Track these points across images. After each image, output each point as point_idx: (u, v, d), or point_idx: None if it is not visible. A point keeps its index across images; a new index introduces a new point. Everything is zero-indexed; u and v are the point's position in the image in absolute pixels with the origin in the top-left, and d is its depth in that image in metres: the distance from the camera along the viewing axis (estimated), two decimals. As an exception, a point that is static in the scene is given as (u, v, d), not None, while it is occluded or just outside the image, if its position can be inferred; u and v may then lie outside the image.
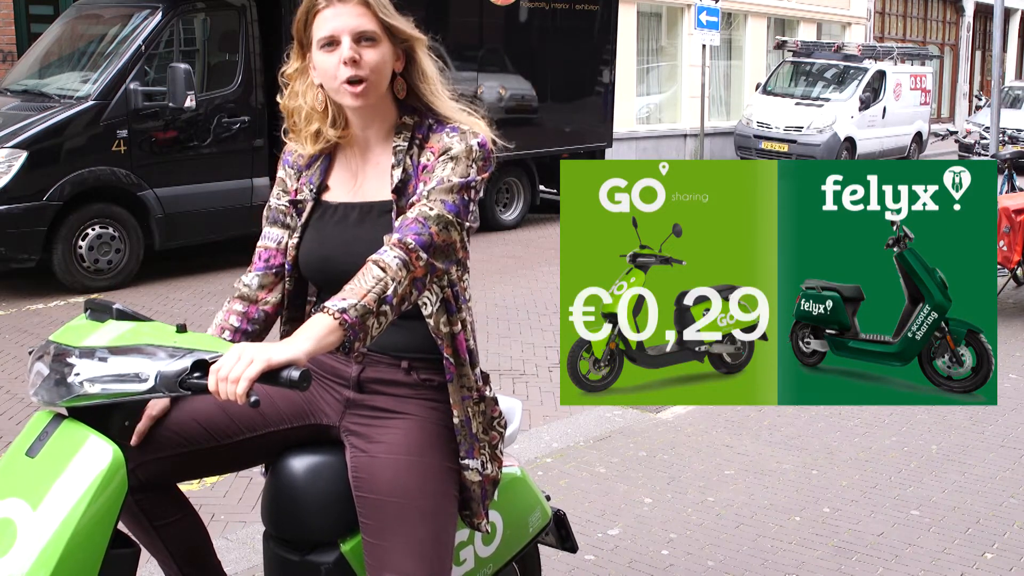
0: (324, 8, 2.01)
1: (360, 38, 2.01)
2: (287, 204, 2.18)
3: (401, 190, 2.06)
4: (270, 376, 1.73)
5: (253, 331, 2.20)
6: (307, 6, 2.04)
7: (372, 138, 2.12)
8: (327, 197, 2.15)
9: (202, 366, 1.80)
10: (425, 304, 2.04)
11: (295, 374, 1.73)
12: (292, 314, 2.21)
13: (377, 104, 2.07)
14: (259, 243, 2.21)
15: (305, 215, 2.14)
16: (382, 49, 2.03)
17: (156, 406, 2.09)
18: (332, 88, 2.04)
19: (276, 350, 1.75)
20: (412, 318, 2.04)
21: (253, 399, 1.72)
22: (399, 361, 2.10)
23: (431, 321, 2.04)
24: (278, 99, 2.16)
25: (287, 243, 2.17)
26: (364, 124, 2.11)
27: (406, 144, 2.09)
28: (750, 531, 3.77)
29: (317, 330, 1.81)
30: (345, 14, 2.00)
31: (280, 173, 2.22)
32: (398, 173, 2.07)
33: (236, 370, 1.72)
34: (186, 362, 1.80)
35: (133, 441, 2.03)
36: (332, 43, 2.01)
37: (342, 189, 2.14)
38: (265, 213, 2.23)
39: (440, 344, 2.05)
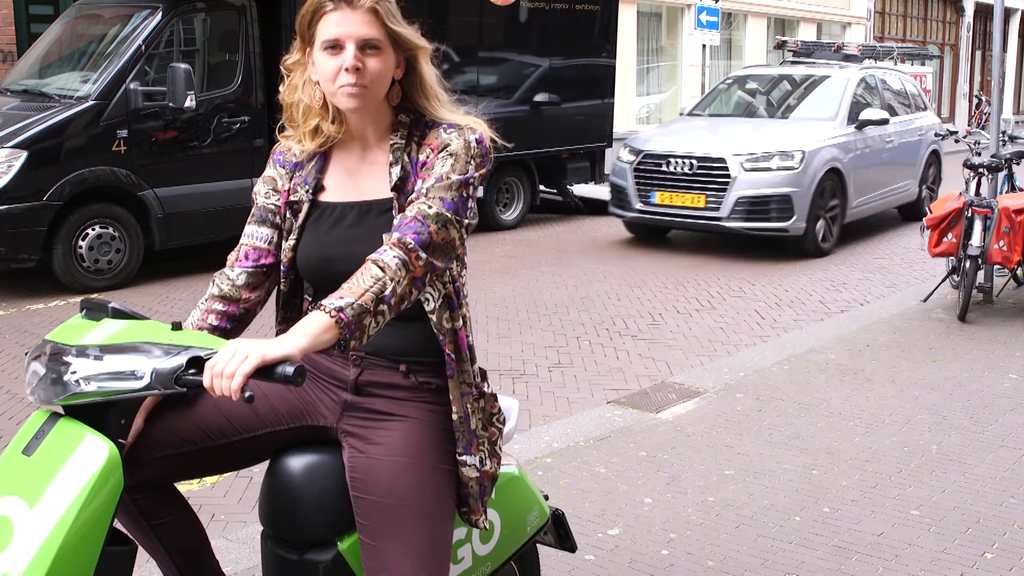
0: (331, 11, 2.00)
1: (365, 45, 2.00)
2: (277, 204, 2.16)
3: (400, 187, 2.06)
4: (264, 372, 1.74)
5: (232, 328, 2.17)
6: (314, 5, 2.02)
7: (370, 136, 2.12)
8: (324, 197, 2.13)
9: (197, 363, 1.80)
10: (427, 300, 2.03)
11: (289, 370, 1.73)
12: (287, 314, 2.19)
13: (373, 106, 2.06)
14: (244, 242, 2.19)
15: (302, 216, 2.12)
16: (385, 57, 2.02)
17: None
18: (329, 91, 2.03)
19: (271, 346, 1.76)
20: (410, 320, 2.03)
21: (247, 394, 1.72)
22: (397, 364, 2.10)
23: (433, 317, 2.04)
24: (280, 89, 2.14)
25: (278, 243, 2.16)
26: (361, 124, 2.10)
27: (403, 141, 2.09)
28: (750, 531, 3.76)
29: (313, 327, 1.81)
30: (353, 20, 1.99)
31: (269, 171, 2.20)
32: (397, 171, 2.07)
33: (231, 366, 1.73)
34: (181, 359, 1.81)
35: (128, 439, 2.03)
36: (336, 47, 2.00)
37: (339, 189, 2.13)
38: (252, 210, 2.20)
39: (442, 340, 2.05)
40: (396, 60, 2.06)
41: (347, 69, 1.98)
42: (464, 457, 2.10)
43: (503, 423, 2.22)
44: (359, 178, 2.12)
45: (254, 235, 2.18)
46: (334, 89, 2.02)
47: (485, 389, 2.17)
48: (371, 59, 2.00)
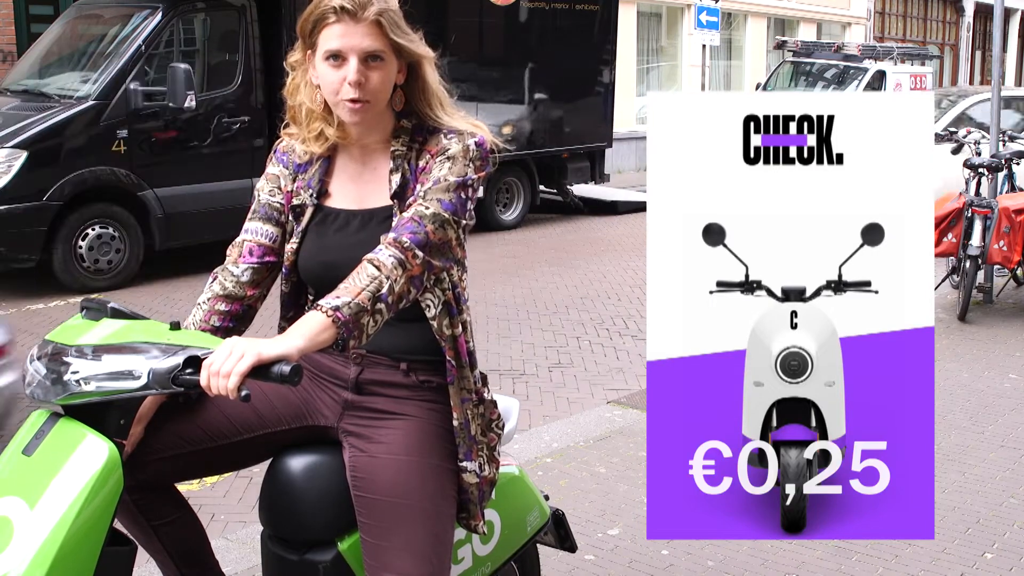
0: (334, 23, 1.98)
1: (368, 57, 1.99)
2: (281, 203, 2.16)
3: (400, 195, 2.06)
4: (261, 371, 1.74)
5: (234, 328, 2.16)
6: (316, 14, 2.00)
7: (372, 142, 2.11)
8: (328, 203, 2.13)
9: (195, 362, 1.80)
10: (428, 306, 2.03)
11: (286, 369, 1.74)
12: (290, 314, 2.19)
13: (375, 115, 2.06)
14: (247, 238, 2.17)
15: (305, 220, 2.12)
16: (388, 68, 2.02)
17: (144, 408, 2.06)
18: (332, 101, 2.03)
19: (267, 345, 1.76)
20: (411, 320, 2.03)
21: (244, 393, 1.73)
22: (398, 363, 2.10)
23: (434, 323, 2.04)
24: (286, 84, 2.13)
25: (281, 242, 2.15)
26: (362, 132, 2.10)
27: (405, 148, 2.08)
28: (750, 531, 3.76)
29: (310, 327, 1.81)
30: (356, 33, 1.98)
31: (272, 168, 2.18)
32: (397, 178, 2.06)
33: (227, 365, 1.73)
34: (178, 359, 1.81)
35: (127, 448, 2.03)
36: (338, 57, 1.99)
37: (343, 195, 2.13)
38: (254, 207, 2.18)
39: (443, 346, 2.05)
40: (399, 66, 2.05)
41: (350, 83, 1.98)
42: (465, 463, 2.10)
43: (502, 428, 2.22)
44: (362, 185, 2.12)
45: (258, 232, 2.16)
46: (336, 100, 2.02)
47: (485, 395, 2.16)
48: (374, 72, 2.00)
